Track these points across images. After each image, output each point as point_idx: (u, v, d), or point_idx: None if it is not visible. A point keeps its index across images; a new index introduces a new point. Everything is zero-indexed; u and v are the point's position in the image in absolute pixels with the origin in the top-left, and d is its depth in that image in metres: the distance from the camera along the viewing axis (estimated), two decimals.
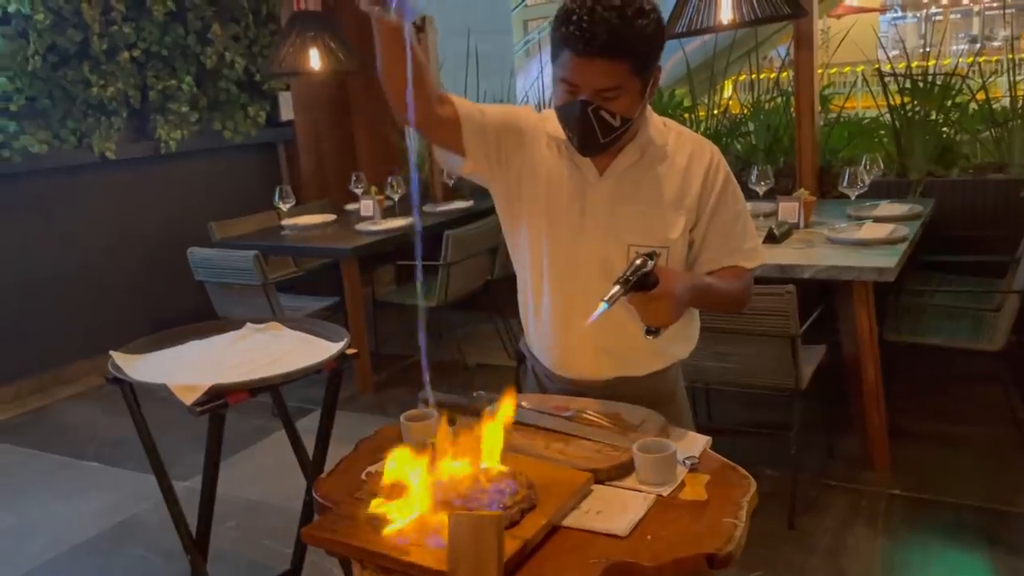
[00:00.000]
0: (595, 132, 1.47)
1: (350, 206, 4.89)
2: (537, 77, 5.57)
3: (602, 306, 1.29)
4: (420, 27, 1.51)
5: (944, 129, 4.15)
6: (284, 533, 2.74)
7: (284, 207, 4.56)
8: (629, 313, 1.40)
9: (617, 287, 1.30)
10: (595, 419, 1.46)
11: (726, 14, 3.15)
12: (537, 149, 1.61)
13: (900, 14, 20.11)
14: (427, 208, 4.85)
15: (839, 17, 12.96)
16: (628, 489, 1.28)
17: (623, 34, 1.38)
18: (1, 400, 4.39)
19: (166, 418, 2.82)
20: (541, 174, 1.61)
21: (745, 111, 4.76)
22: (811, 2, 3.75)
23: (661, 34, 1.46)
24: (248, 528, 2.99)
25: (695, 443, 1.42)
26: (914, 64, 4.23)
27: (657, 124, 1.61)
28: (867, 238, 3.01)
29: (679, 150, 1.60)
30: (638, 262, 1.34)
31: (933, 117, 4.13)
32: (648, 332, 1.42)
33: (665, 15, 1.57)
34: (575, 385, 1.67)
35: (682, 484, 1.29)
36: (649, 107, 1.58)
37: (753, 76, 4.75)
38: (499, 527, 0.93)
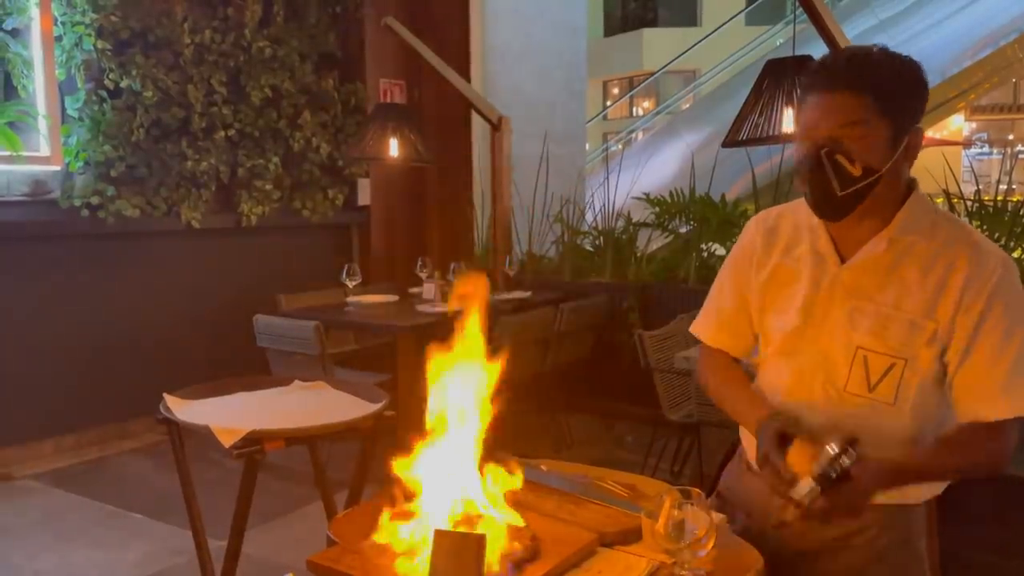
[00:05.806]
0: (830, 183, 1.33)
1: (414, 289, 5.03)
2: (603, 181, 5.75)
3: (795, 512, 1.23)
4: None
5: (1015, 256, 4.09)
6: None
7: (350, 284, 4.72)
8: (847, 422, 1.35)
9: (812, 485, 1.20)
10: (610, 486, 1.47)
11: (787, 126, 3.23)
12: (767, 267, 1.54)
13: (985, 149, 19.98)
14: None
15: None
16: (633, 554, 1.28)
17: (865, 65, 1.33)
18: (62, 448, 4.54)
19: (215, 478, 2.89)
20: (773, 278, 1.53)
21: None
22: None
23: (913, 77, 1.35)
24: None
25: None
26: (986, 197, 4.22)
27: (926, 214, 1.42)
28: None
29: (946, 248, 1.38)
30: (834, 451, 1.21)
31: (1003, 243, 4.08)
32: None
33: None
34: None
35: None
36: (924, 196, 1.44)
37: None
38: (481, 547, 0.95)
